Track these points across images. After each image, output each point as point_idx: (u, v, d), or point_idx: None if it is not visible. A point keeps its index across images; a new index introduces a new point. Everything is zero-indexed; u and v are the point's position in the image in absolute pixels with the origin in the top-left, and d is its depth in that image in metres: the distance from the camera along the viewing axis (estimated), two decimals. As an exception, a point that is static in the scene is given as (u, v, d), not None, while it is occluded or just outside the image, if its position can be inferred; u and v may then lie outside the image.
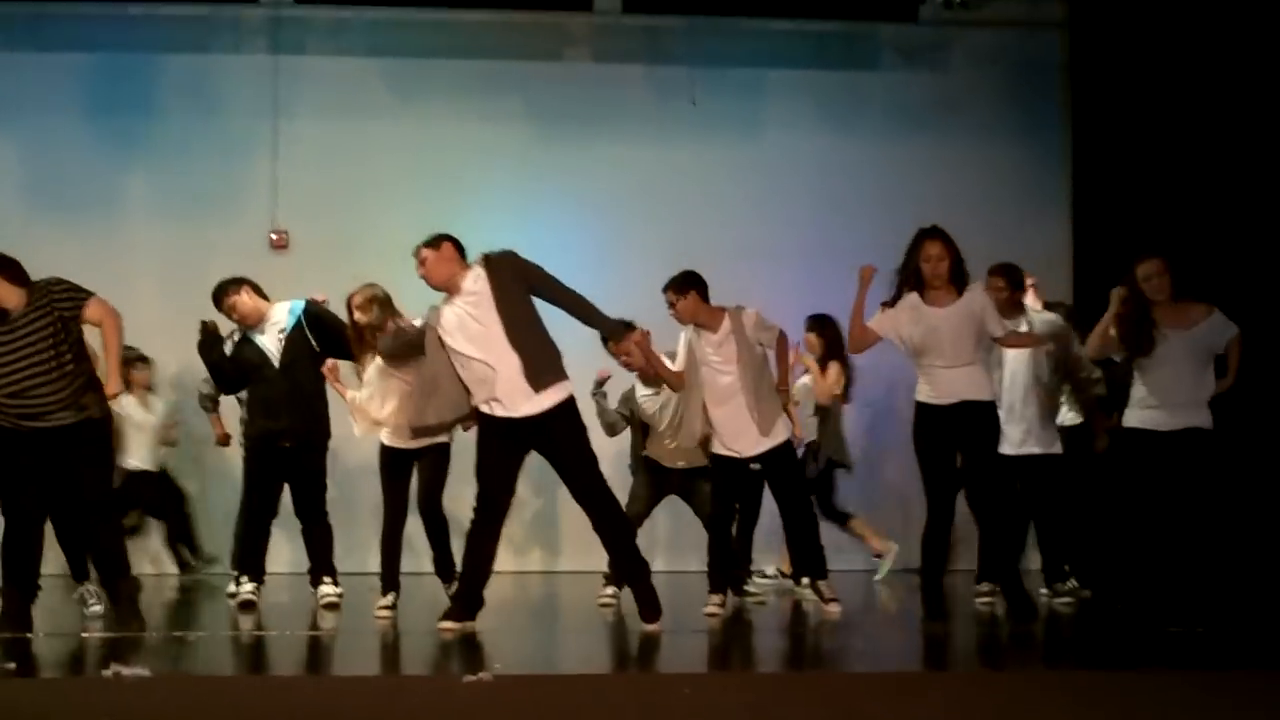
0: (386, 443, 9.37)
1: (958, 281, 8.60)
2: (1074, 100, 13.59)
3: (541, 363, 8.19)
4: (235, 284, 9.81)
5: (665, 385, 9.54)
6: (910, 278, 8.65)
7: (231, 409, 11.02)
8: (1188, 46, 12.42)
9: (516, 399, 8.17)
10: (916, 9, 13.41)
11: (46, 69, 12.94)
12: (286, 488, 9.88)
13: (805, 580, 9.98)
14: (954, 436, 8.58)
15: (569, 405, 8.25)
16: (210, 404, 11.36)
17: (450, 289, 8.29)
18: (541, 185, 13.02)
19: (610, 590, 9.75)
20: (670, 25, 13.46)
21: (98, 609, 9.02)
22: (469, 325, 8.23)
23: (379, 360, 9.12)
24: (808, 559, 9.51)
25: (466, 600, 8.36)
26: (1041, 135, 13.61)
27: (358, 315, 9.23)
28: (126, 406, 11.34)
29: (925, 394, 8.65)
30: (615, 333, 8.63)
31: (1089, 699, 6.13)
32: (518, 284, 8.21)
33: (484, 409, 8.22)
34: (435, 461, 9.41)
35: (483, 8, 13.17)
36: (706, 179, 13.37)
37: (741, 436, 9.08)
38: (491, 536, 8.34)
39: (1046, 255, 12.48)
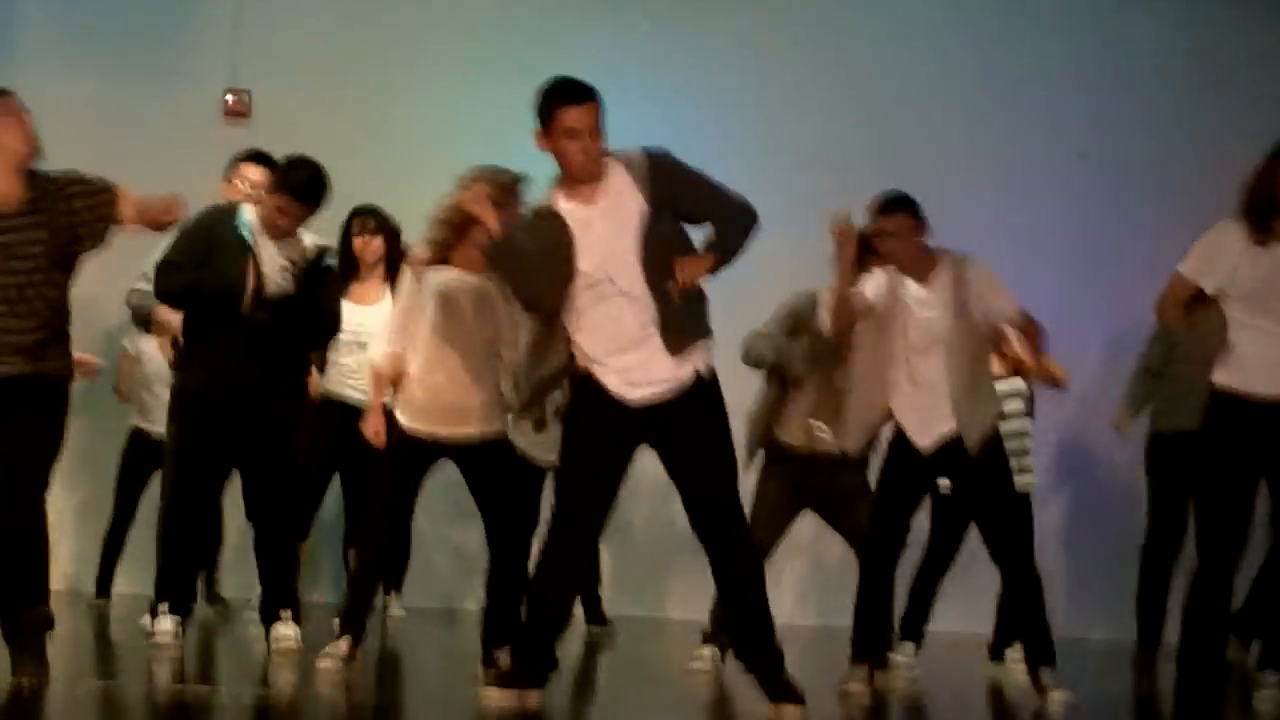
0: (406, 424, 8.34)
1: None
2: None
3: (682, 318, 7.30)
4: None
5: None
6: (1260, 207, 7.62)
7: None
8: None
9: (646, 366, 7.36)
10: None
11: None
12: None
13: (1012, 655, 9.36)
14: (1264, 448, 7.70)
15: (712, 380, 7.40)
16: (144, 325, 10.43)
17: (579, 182, 7.25)
18: (646, 54, 12.18)
19: (708, 651, 8.94)
20: None
21: None
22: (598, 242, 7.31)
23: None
24: (1028, 636, 8.56)
25: (531, 658, 7.43)
26: None
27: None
28: (146, 351, 10.87)
29: (1232, 379, 7.68)
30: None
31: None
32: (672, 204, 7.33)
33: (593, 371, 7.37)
34: (499, 459, 8.43)
35: None
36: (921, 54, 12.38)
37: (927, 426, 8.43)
38: (575, 569, 7.72)
39: None
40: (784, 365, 8.99)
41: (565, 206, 7.09)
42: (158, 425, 10.25)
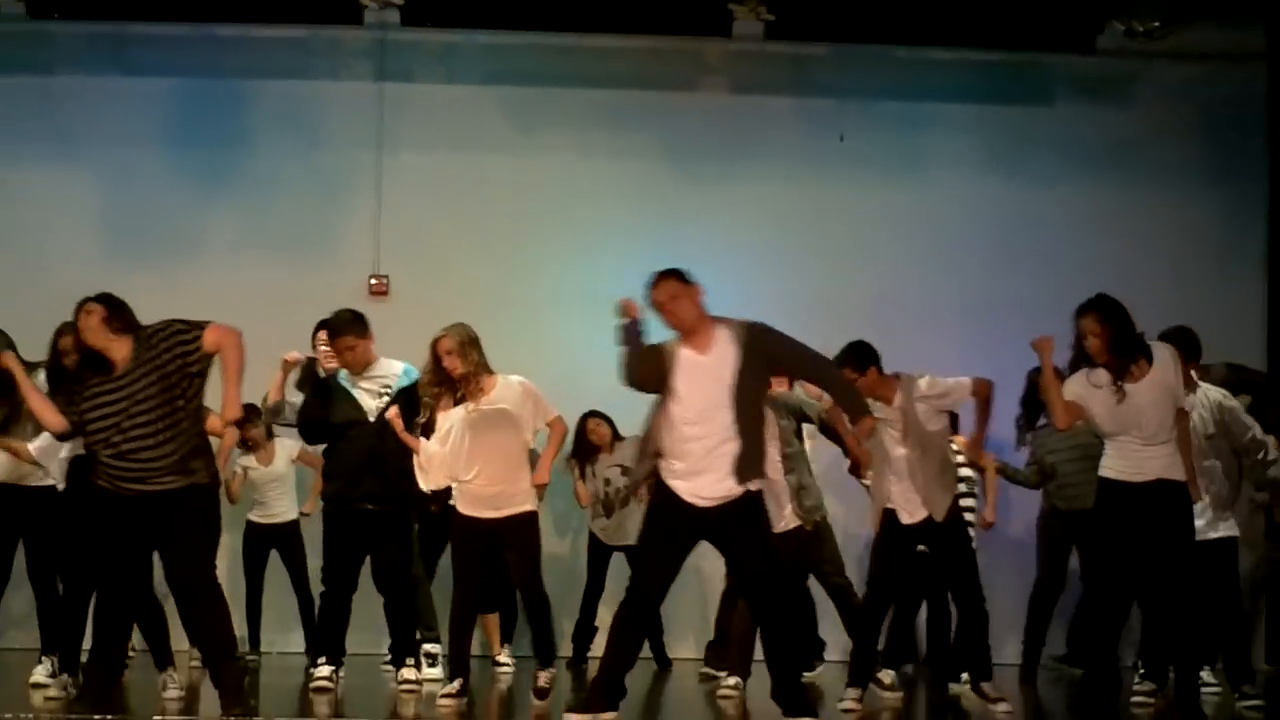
0: (462, 510, 9.36)
1: (1130, 352, 8.49)
2: (1274, 142, 13.49)
3: (753, 458, 8.07)
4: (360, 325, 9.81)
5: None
6: (1081, 360, 8.60)
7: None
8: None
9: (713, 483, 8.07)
10: (1094, 39, 13.25)
11: (129, 95, 13.18)
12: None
13: (964, 677, 10.04)
14: (1146, 519, 8.49)
15: (759, 495, 8.15)
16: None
17: (692, 334, 8.08)
18: (675, 230, 12.91)
19: (733, 681, 9.81)
20: (816, 53, 13.45)
21: (176, 693, 9.23)
22: (701, 385, 8.04)
23: (463, 412, 9.21)
24: (973, 656, 9.67)
25: (606, 688, 8.18)
26: (1237, 181, 13.49)
27: (451, 363, 9.16)
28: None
29: (1115, 470, 8.57)
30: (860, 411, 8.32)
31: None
32: (765, 366, 8.16)
33: (669, 481, 8.11)
34: (526, 533, 9.34)
35: (610, 32, 13.16)
36: (858, 224, 13.31)
37: (911, 510, 9.44)
38: (643, 623, 8.34)
39: (1238, 315, 12.50)
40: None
41: (680, 350, 7.93)
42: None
